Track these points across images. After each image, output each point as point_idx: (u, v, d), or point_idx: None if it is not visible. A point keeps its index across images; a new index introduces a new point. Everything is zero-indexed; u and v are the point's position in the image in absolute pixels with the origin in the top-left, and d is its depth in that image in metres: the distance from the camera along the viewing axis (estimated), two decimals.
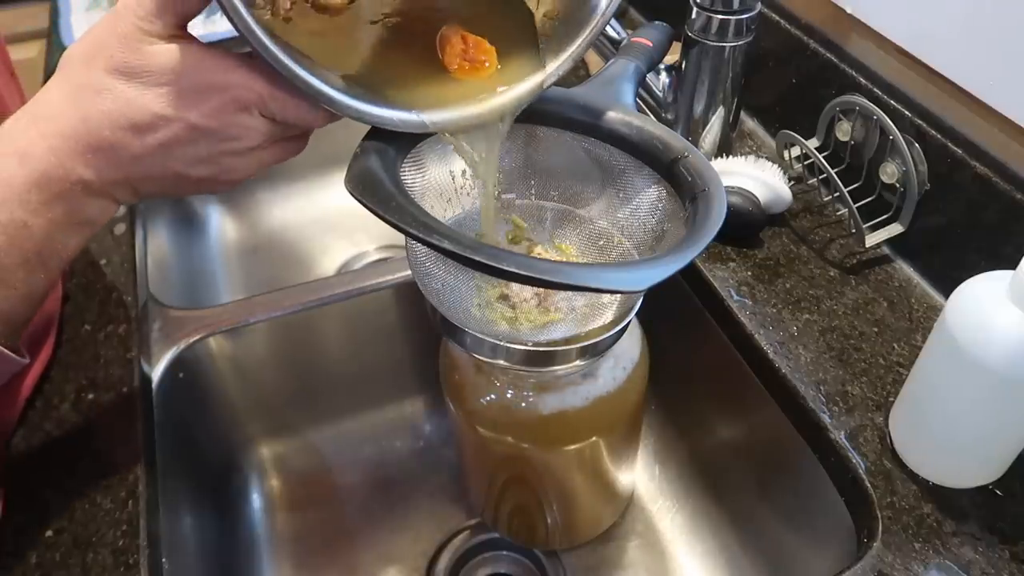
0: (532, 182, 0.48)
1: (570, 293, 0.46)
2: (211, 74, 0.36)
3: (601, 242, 0.48)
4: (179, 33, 0.36)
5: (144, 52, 0.36)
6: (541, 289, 0.46)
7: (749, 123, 0.75)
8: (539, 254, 0.48)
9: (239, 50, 0.37)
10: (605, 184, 0.47)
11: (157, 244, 0.72)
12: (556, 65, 0.42)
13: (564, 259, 0.48)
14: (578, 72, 0.86)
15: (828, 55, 0.63)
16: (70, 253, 0.41)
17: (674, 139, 0.44)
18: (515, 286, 0.46)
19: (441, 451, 0.76)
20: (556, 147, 0.47)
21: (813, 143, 0.65)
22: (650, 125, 0.45)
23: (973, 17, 0.52)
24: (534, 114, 0.46)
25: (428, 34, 0.41)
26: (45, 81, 0.84)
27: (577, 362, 0.45)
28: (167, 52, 0.36)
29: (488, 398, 0.52)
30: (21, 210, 0.37)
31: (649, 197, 0.45)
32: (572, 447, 0.53)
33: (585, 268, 0.36)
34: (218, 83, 0.36)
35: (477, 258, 0.33)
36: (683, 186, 0.42)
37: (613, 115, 0.45)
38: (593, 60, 0.86)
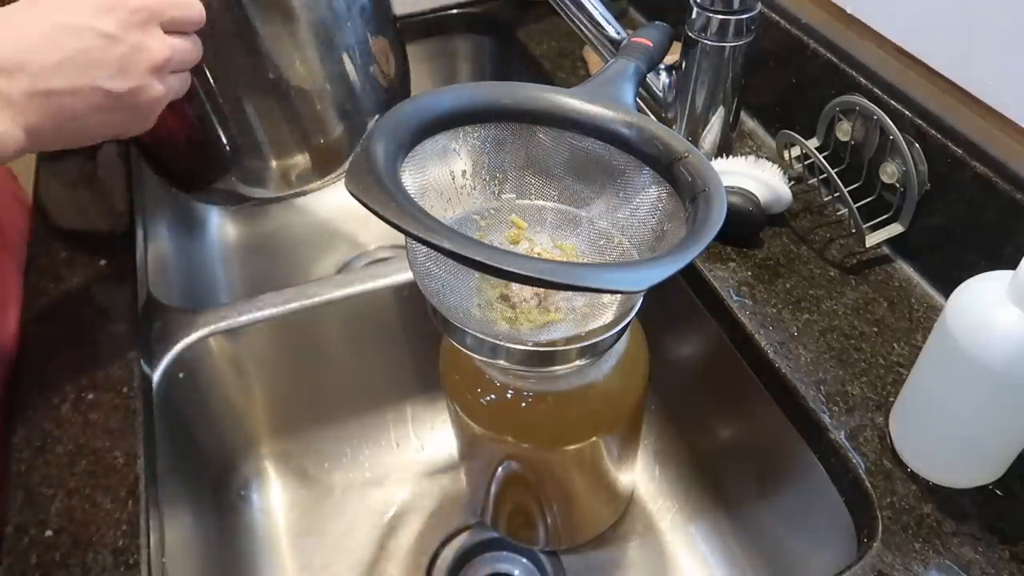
0: (532, 182, 0.48)
1: (570, 293, 0.46)
2: None
3: (601, 242, 0.48)
4: None
5: None
6: (541, 289, 0.46)
7: (749, 123, 0.75)
8: (539, 254, 0.48)
9: None
10: (605, 184, 0.47)
11: (157, 244, 0.72)
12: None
13: (565, 259, 0.48)
14: (578, 72, 0.86)
15: (828, 55, 0.63)
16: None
17: (674, 139, 0.44)
18: (515, 286, 0.46)
19: (441, 451, 0.76)
20: (556, 147, 0.47)
21: (813, 143, 0.65)
22: (650, 125, 0.45)
23: (973, 17, 0.52)
24: (534, 114, 0.46)
25: None
26: None
27: (577, 362, 0.45)
28: None
29: (488, 398, 0.52)
30: None
31: (649, 197, 0.45)
32: (572, 447, 0.53)
33: (585, 268, 0.36)
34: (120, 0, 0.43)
35: (477, 258, 0.33)
36: (683, 186, 0.42)
37: (613, 115, 0.45)
38: (593, 60, 0.86)
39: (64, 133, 0.44)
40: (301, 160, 0.61)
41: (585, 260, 0.48)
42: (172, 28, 0.47)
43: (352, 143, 0.62)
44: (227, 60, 0.53)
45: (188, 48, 0.48)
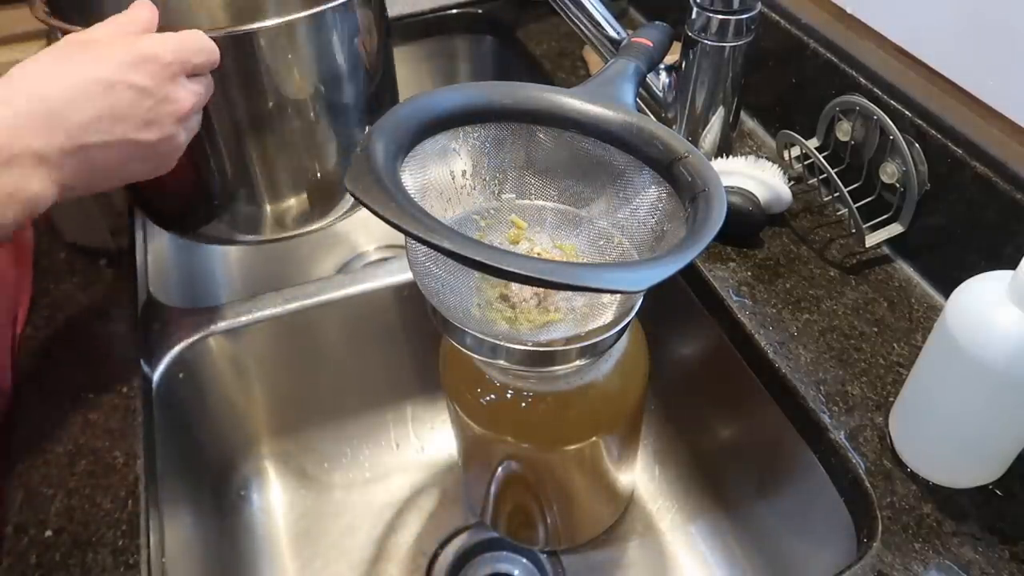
0: (532, 182, 0.48)
1: (570, 293, 0.46)
2: (147, 45, 0.44)
3: (601, 242, 0.48)
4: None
5: (91, 29, 0.45)
6: (541, 289, 0.46)
7: (749, 123, 0.75)
8: (539, 254, 0.48)
9: None
10: (605, 184, 0.47)
11: (157, 244, 0.72)
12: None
13: (564, 259, 0.48)
14: (578, 72, 0.86)
15: (828, 55, 0.63)
16: (3, 231, 0.41)
17: (674, 139, 0.44)
18: (515, 286, 0.46)
19: (441, 450, 0.76)
20: (556, 147, 0.47)
21: (813, 143, 0.65)
22: (650, 125, 0.45)
23: (973, 17, 0.52)
24: (534, 114, 0.46)
25: None
26: None
27: (577, 362, 0.45)
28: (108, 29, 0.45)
29: (488, 398, 0.52)
30: None
31: (649, 197, 0.45)
32: (572, 447, 0.53)
33: (585, 268, 0.36)
34: (152, 53, 0.44)
35: (477, 258, 0.33)
36: (683, 186, 0.42)
37: (613, 115, 0.45)
38: (593, 60, 0.86)
39: (95, 183, 0.45)
40: (295, 203, 0.62)
41: (585, 260, 0.48)
42: (194, 73, 0.48)
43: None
44: (226, 101, 0.54)
45: (205, 90, 0.49)
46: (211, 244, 0.79)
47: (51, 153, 0.41)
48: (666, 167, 0.43)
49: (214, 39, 0.49)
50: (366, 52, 0.59)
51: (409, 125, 0.42)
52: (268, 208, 0.61)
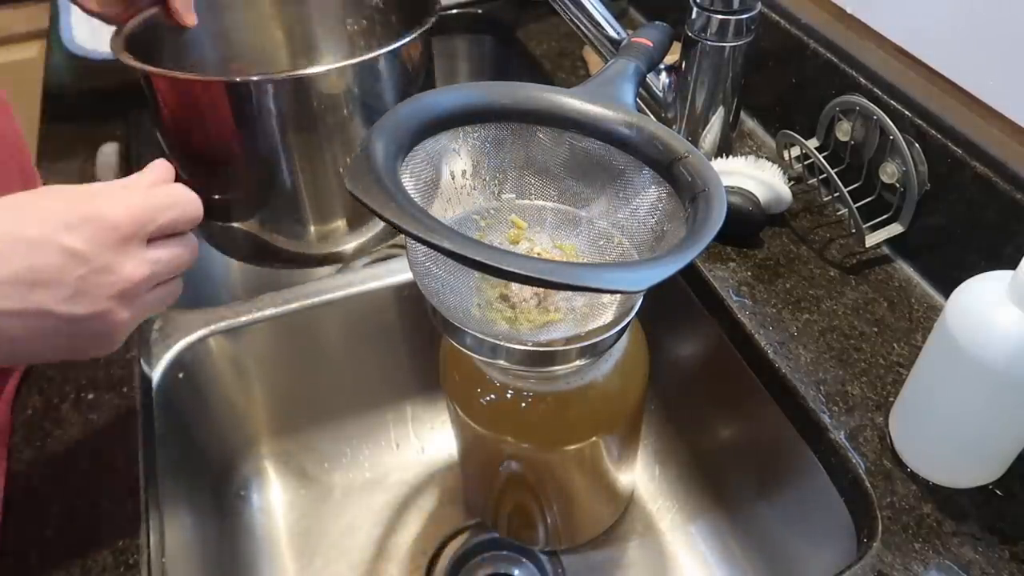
0: (532, 182, 0.48)
1: (569, 293, 0.46)
2: (97, 202, 0.37)
3: (601, 242, 0.48)
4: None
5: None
6: (541, 289, 0.46)
7: (749, 123, 0.75)
8: (539, 254, 0.48)
9: None
10: (605, 184, 0.47)
11: None
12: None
13: (564, 259, 0.48)
14: (578, 72, 0.86)
15: (828, 55, 0.63)
16: None
17: (674, 139, 0.44)
18: (515, 286, 0.46)
19: (441, 451, 0.76)
20: (556, 147, 0.47)
21: (813, 143, 0.65)
22: (650, 125, 0.45)
23: (973, 17, 0.52)
24: (535, 114, 0.46)
25: None
26: (45, 81, 0.84)
27: (577, 362, 0.45)
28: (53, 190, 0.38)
29: (488, 398, 0.52)
30: None
31: (649, 197, 0.45)
32: (572, 447, 0.53)
33: (585, 268, 0.36)
34: (97, 212, 0.37)
35: (477, 258, 0.33)
36: (683, 186, 0.42)
37: (613, 115, 0.45)
38: (593, 60, 0.86)
39: (4, 355, 0.37)
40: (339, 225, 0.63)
41: (585, 260, 0.48)
42: (163, 233, 0.41)
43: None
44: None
45: (178, 254, 0.41)
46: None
47: None
48: (666, 167, 0.43)
49: (276, 81, 0.47)
50: (414, 87, 0.61)
51: (409, 125, 0.42)
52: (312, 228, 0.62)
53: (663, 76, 0.67)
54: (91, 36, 0.88)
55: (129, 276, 0.38)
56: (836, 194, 0.61)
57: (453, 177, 0.47)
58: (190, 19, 0.63)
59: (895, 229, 0.60)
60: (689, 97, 0.65)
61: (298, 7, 0.71)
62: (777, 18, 0.68)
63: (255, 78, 0.53)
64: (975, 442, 0.46)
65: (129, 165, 0.73)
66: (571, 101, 0.46)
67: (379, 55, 0.55)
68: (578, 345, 0.44)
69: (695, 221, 0.39)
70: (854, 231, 0.60)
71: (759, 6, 0.61)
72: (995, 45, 0.51)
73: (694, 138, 0.68)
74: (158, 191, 0.40)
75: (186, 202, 0.41)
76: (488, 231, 0.48)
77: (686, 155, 0.42)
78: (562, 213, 0.49)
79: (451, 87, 0.45)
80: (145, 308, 0.41)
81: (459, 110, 0.44)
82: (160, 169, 0.42)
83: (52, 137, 0.77)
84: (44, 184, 0.71)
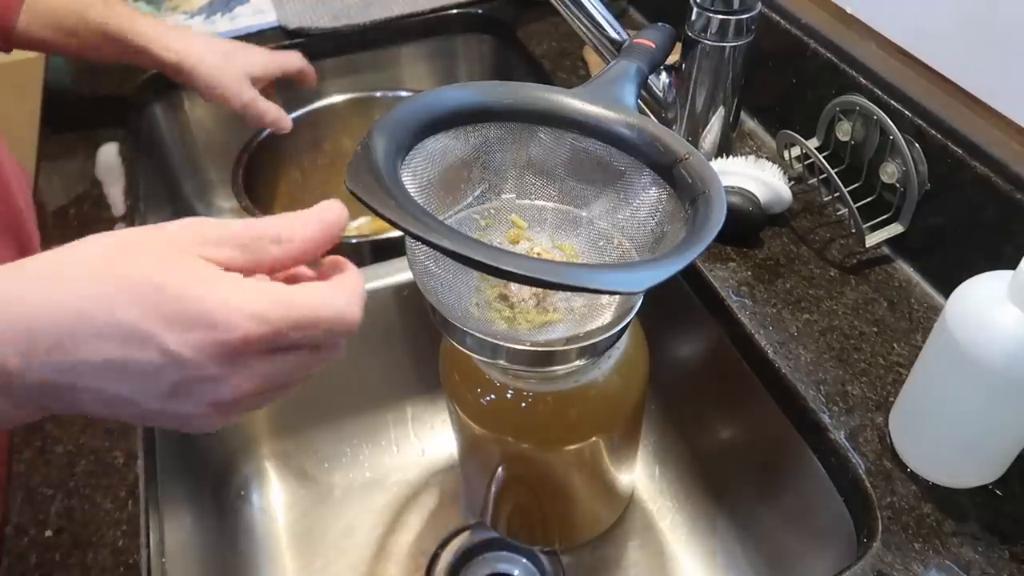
0: (533, 182, 0.48)
1: (569, 294, 0.46)
2: (219, 309, 0.29)
3: (601, 243, 0.48)
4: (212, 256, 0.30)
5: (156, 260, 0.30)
6: (540, 289, 0.46)
7: (749, 123, 0.75)
8: (539, 254, 0.48)
9: None
10: (606, 185, 0.47)
11: None
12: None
13: (564, 260, 0.48)
14: (578, 72, 0.86)
15: (828, 55, 0.63)
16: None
17: (675, 141, 0.44)
18: (514, 286, 0.46)
19: (441, 451, 0.76)
20: (557, 147, 0.47)
21: (813, 143, 0.65)
22: (651, 127, 0.45)
23: (973, 17, 0.52)
24: (536, 114, 0.46)
25: None
26: (45, 81, 0.84)
27: (577, 362, 0.45)
28: (183, 263, 0.30)
29: (488, 398, 0.52)
30: None
31: (649, 198, 0.45)
32: (572, 447, 0.53)
33: (584, 269, 0.36)
34: (213, 321, 0.29)
35: (477, 257, 0.33)
36: (683, 188, 0.42)
37: (614, 116, 0.45)
38: (593, 60, 0.86)
39: (74, 411, 0.32)
40: None
41: (585, 261, 0.48)
42: (294, 347, 0.32)
43: None
44: None
45: (303, 365, 0.33)
46: None
47: (23, 385, 0.30)
48: (667, 169, 0.43)
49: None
50: None
51: (410, 124, 0.42)
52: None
53: (663, 76, 0.67)
54: None
55: (234, 389, 0.31)
56: (836, 194, 0.61)
57: (453, 176, 0.46)
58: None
59: (895, 229, 0.60)
60: (689, 97, 0.65)
61: None
62: (777, 18, 0.68)
63: None
64: (975, 442, 0.46)
65: (129, 165, 0.73)
66: (572, 101, 0.46)
67: None
68: (578, 345, 0.44)
69: (695, 223, 0.39)
70: (854, 231, 0.60)
71: (759, 6, 0.61)
72: (995, 45, 0.51)
73: (694, 138, 0.68)
74: (303, 303, 0.31)
75: (337, 321, 0.32)
76: (488, 231, 0.48)
77: (687, 156, 0.42)
78: (562, 213, 0.49)
79: (452, 86, 0.45)
80: (236, 415, 0.34)
81: (460, 110, 0.44)
82: (345, 278, 0.33)
83: (52, 137, 0.77)
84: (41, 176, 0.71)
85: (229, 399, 0.31)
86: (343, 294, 0.32)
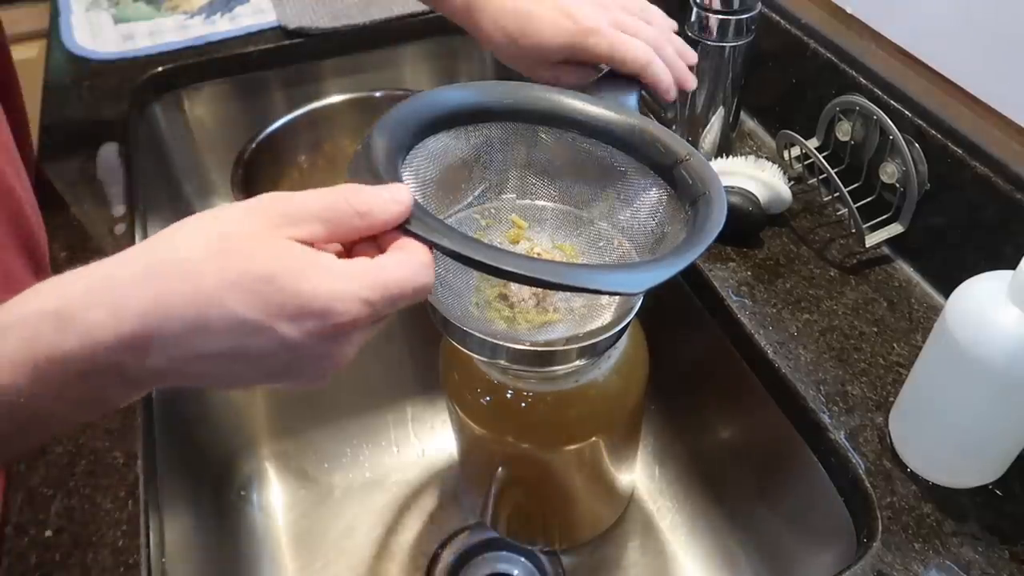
0: (533, 182, 0.48)
1: (568, 294, 0.46)
2: (324, 295, 0.31)
3: (601, 243, 0.48)
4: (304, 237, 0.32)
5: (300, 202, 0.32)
6: (539, 289, 0.46)
7: (749, 123, 0.75)
8: (539, 254, 0.48)
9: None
10: (606, 186, 0.47)
11: None
12: None
13: (565, 260, 0.48)
14: None
15: (828, 55, 0.63)
16: (67, 427, 0.35)
17: (675, 142, 0.44)
18: (514, 286, 0.46)
19: (441, 451, 0.76)
20: (558, 147, 0.47)
21: (813, 143, 0.65)
22: (652, 127, 0.45)
23: (972, 16, 0.52)
24: (537, 114, 0.46)
25: None
26: (45, 81, 0.84)
27: (577, 362, 0.45)
28: (281, 249, 0.31)
29: (488, 398, 0.52)
30: (30, 383, 0.30)
31: (650, 199, 0.45)
32: (572, 447, 0.53)
33: (584, 269, 0.36)
34: (324, 309, 0.31)
35: (476, 257, 0.33)
36: (684, 189, 0.42)
37: (615, 117, 0.45)
38: None
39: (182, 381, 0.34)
40: None
41: (585, 261, 0.48)
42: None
43: None
44: None
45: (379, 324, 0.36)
46: None
47: (141, 375, 0.31)
48: (667, 170, 0.43)
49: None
50: None
51: (411, 123, 0.42)
52: None
53: None
54: (91, 36, 0.89)
55: (341, 358, 0.34)
56: (836, 194, 0.61)
57: (454, 176, 0.46)
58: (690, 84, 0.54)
59: (895, 229, 0.60)
60: (689, 97, 0.65)
61: None
62: (777, 18, 0.68)
63: None
64: (975, 442, 0.46)
65: (129, 165, 0.73)
66: (573, 102, 0.46)
67: None
68: (578, 345, 0.44)
69: (695, 224, 0.39)
70: (854, 231, 0.60)
71: (759, 6, 0.61)
72: (995, 45, 0.51)
73: (694, 138, 0.68)
74: (396, 280, 0.33)
75: (421, 293, 0.34)
76: (488, 230, 0.48)
77: (687, 158, 0.42)
78: (563, 213, 0.49)
79: (453, 86, 0.45)
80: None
81: (461, 109, 0.44)
82: (413, 249, 0.34)
83: (52, 137, 0.77)
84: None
85: (336, 366, 0.34)
86: (422, 266, 0.34)
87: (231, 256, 0.31)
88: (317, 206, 0.33)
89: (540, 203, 0.49)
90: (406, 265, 0.33)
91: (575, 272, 0.34)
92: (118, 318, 0.30)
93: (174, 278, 0.30)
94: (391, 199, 0.34)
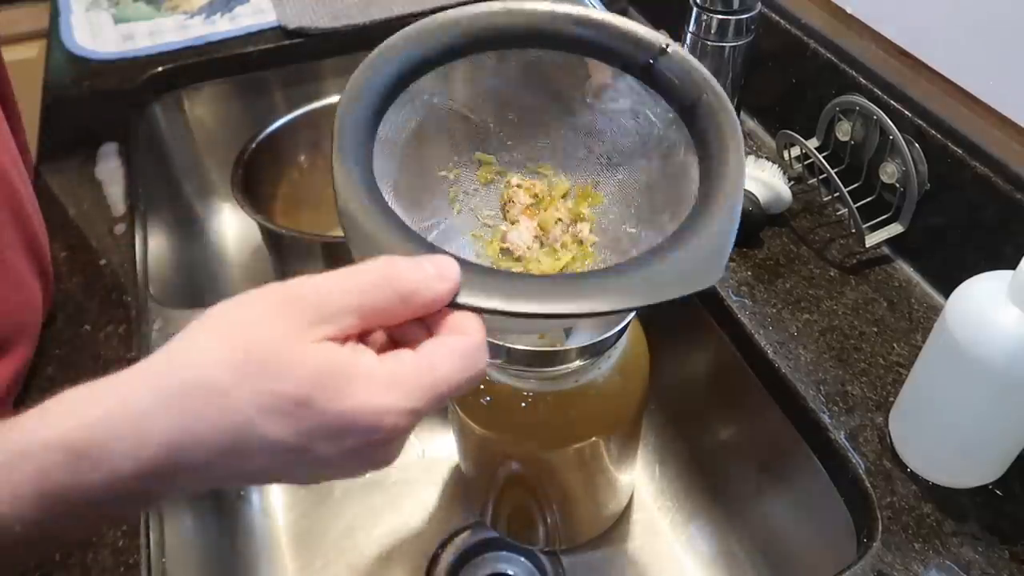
0: (499, 131, 0.44)
1: (567, 223, 0.42)
2: (359, 412, 0.28)
3: (580, 153, 0.43)
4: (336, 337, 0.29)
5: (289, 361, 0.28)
6: (538, 229, 0.43)
7: (749, 123, 0.75)
8: (517, 185, 0.44)
9: None
10: (576, 97, 0.43)
11: (157, 244, 0.72)
12: None
13: (546, 184, 0.44)
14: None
15: (828, 55, 0.63)
16: (71, 540, 0.33)
17: (647, 33, 0.38)
18: (512, 236, 0.43)
19: (441, 451, 0.76)
20: (513, 75, 0.42)
21: (813, 143, 0.65)
22: (617, 20, 0.39)
23: (972, 16, 0.52)
24: (497, 38, 0.41)
25: None
26: (45, 82, 0.84)
27: (577, 362, 0.45)
28: (316, 360, 0.28)
29: (488, 398, 0.52)
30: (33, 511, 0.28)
31: (626, 101, 0.41)
32: (572, 447, 0.53)
33: (590, 280, 0.33)
34: (364, 427, 0.28)
35: (534, 311, 0.30)
36: (674, 92, 0.37)
37: (576, 14, 0.40)
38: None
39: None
40: None
41: (566, 178, 0.44)
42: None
43: None
44: None
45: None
46: None
47: (166, 494, 0.30)
48: (645, 70, 0.38)
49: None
50: None
51: (369, 103, 0.37)
52: None
53: None
54: (91, 36, 0.89)
55: (390, 457, 0.32)
56: (836, 194, 0.61)
57: (417, 145, 0.42)
58: None
59: (895, 229, 0.60)
60: None
61: None
62: (777, 18, 0.68)
63: None
64: (975, 442, 0.46)
65: (129, 165, 0.73)
66: (530, 5, 0.40)
67: None
68: (578, 345, 0.43)
69: (698, 215, 0.38)
70: (854, 231, 0.60)
71: (759, 6, 0.61)
72: (995, 45, 0.51)
73: None
74: (443, 378, 0.29)
75: (475, 382, 0.31)
76: (457, 182, 0.44)
77: (666, 47, 0.37)
78: (529, 142, 0.44)
79: (397, 39, 0.39)
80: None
81: (408, 68, 0.39)
82: (465, 328, 0.31)
83: (52, 137, 0.77)
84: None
85: (379, 467, 0.31)
86: (476, 350, 0.30)
87: (261, 375, 0.27)
88: (353, 295, 0.29)
89: (509, 143, 0.44)
90: (458, 355, 0.30)
91: (578, 283, 0.32)
92: (140, 447, 0.27)
93: (199, 400, 0.27)
94: (437, 275, 0.30)
